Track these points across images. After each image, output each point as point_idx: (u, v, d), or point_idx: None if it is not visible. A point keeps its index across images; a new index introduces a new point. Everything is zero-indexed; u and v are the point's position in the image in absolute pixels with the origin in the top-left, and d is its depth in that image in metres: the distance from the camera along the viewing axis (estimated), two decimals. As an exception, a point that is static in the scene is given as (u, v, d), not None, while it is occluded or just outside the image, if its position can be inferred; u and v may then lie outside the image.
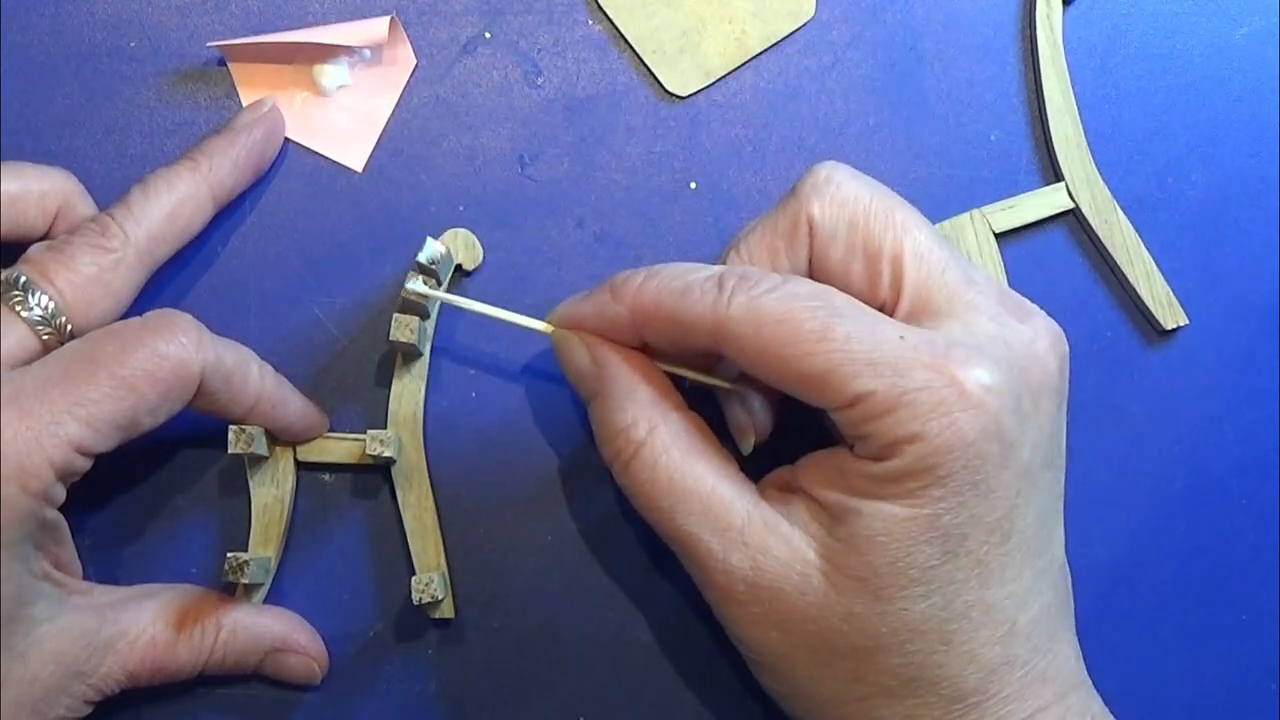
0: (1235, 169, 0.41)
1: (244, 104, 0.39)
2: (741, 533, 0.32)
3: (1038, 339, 0.32)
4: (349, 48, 0.39)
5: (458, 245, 0.38)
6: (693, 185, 0.40)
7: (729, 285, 0.31)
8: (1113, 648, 0.39)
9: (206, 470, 0.38)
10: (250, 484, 0.37)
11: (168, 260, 0.36)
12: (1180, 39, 0.41)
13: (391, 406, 0.38)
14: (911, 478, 0.30)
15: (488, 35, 0.40)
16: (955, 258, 0.33)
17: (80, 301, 0.34)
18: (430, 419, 0.38)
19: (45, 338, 0.33)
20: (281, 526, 0.37)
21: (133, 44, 0.39)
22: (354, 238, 0.39)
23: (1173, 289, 0.40)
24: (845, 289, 0.32)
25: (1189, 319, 0.40)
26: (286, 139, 0.39)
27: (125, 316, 0.35)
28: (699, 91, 0.40)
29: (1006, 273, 0.39)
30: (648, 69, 0.40)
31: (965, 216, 0.39)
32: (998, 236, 0.39)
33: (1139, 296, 0.40)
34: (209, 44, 0.39)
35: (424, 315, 0.37)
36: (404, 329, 0.36)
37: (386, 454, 0.36)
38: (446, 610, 0.37)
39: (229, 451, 0.35)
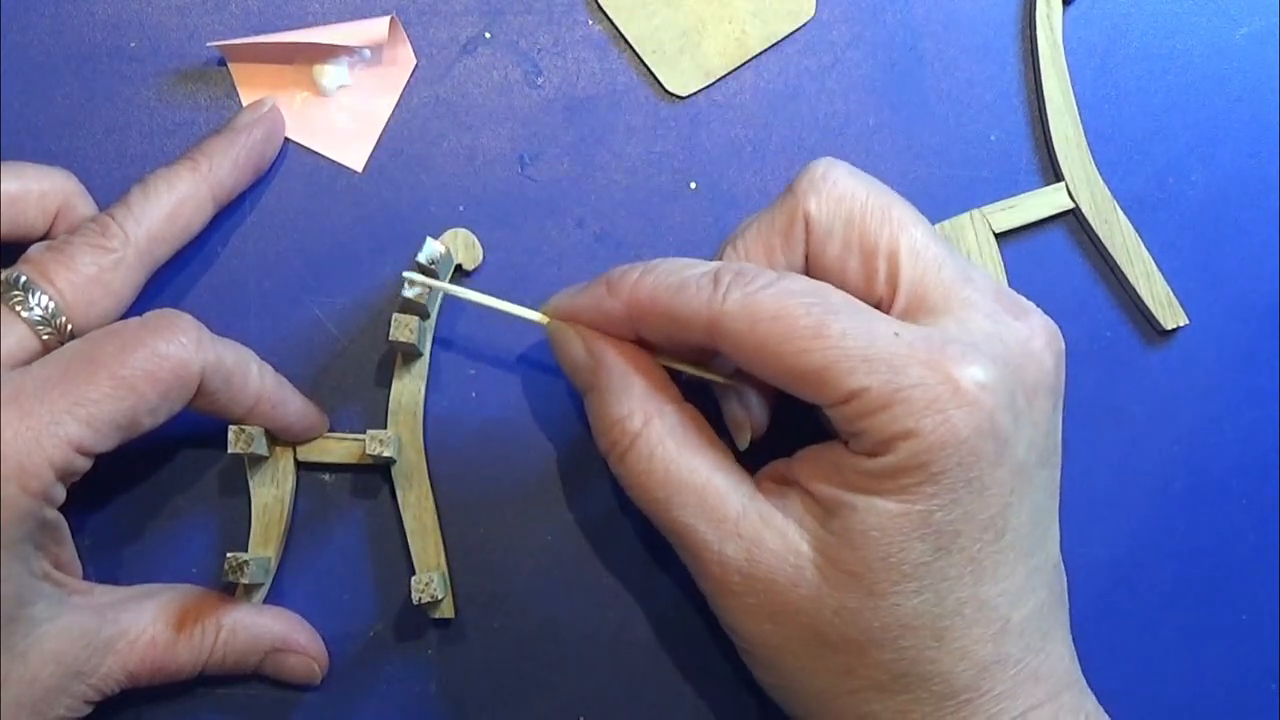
0: (1235, 169, 0.41)
1: (244, 104, 0.39)
2: (736, 524, 0.32)
3: (1034, 336, 0.32)
4: (349, 48, 0.39)
5: (458, 245, 0.38)
6: (693, 185, 0.40)
7: (724, 281, 0.31)
8: (1112, 648, 0.39)
9: (206, 470, 0.38)
10: (250, 484, 0.37)
11: (168, 260, 0.36)
12: (1180, 39, 0.41)
13: (391, 406, 0.38)
14: (905, 474, 0.30)
15: (488, 35, 0.40)
16: (952, 255, 0.33)
17: (80, 301, 0.34)
18: (430, 419, 0.38)
19: (45, 338, 0.33)
20: (281, 526, 0.37)
21: (133, 44, 0.39)
22: (354, 238, 0.39)
23: (1173, 289, 0.40)
24: (841, 286, 0.32)
25: (1189, 319, 0.40)
26: (286, 139, 0.39)
27: (125, 316, 0.35)
28: (699, 91, 0.40)
29: (1006, 273, 0.39)
30: (648, 69, 0.40)
31: (965, 216, 0.39)
32: (998, 236, 0.39)
33: (1139, 296, 0.40)
34: (209, 44, 0.39)
35: (424, 315, 0.37)
36: (404, 329, 0.36)
37: (386, 454, 0.36)
38: (446, 610, 0.37)
39: (229, 451, 0.35)
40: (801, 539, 0.31)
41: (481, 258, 0.39)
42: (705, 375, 0.35)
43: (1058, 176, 0.40)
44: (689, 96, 0.40)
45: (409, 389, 0.38)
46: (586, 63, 0.40)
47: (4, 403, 0.31)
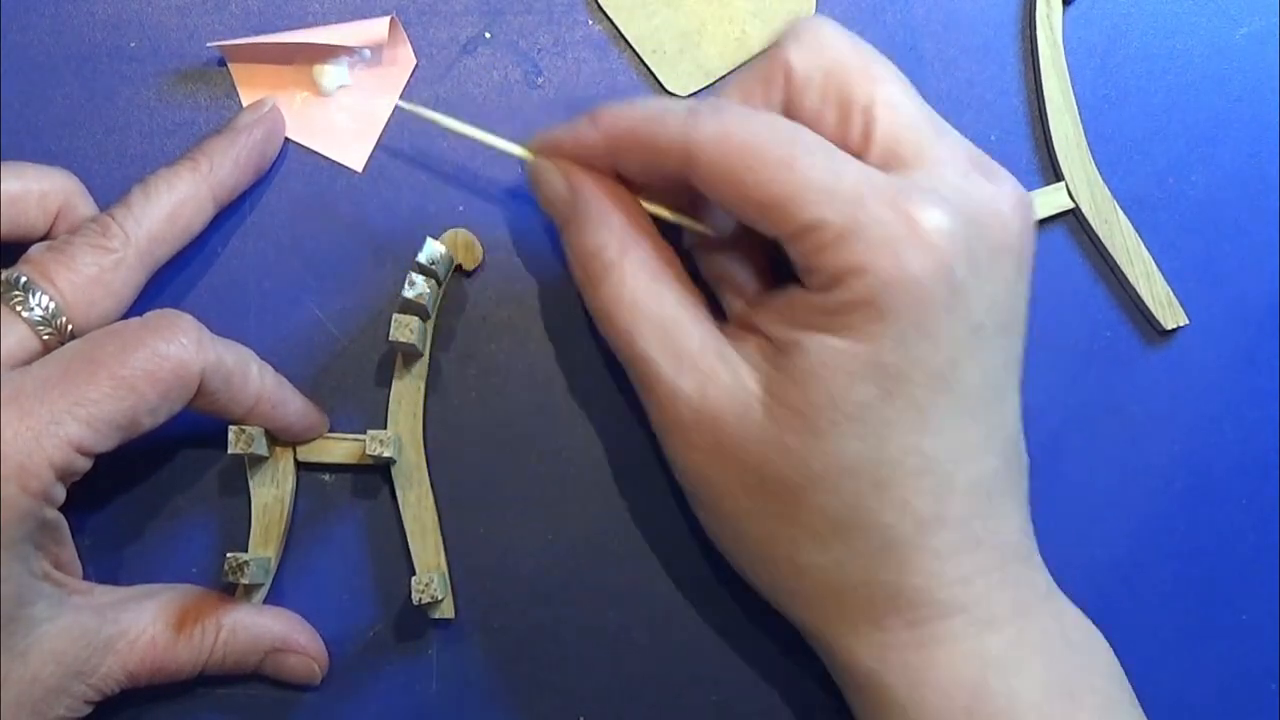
0: (1235, 169, 0.41)
1: (244, 104, 0.39)
2: (694, 358, 0.32)
3: (1002, 197, 0.32)
4: (349, 48, 0.39)
5: (458, 245, 0.38)
6: (693, 185, 0.40)
7: (701, 112, 0.32)
8: (1113, 647, 0.39)
9: (206, 470, 0.38)
10: (250, 484, 0.37)
11: (168, 260, 0.36)
12: (1180, 39, 0.41)
13: (391, 406, 0.38)
14: (854, 310, 0.30)
15: (488, 35, 0.40)
16: (929, 115, 0.33)
17: (81, 301, 0.34)
18: (430, 419, 0.38)
19: (45, 338, 0.33)
20: (281, 526, 0.37)
21: (133, 44, 0.39)
22: (354, 238, 0.39)
23: (1173, 289, 0.40)
24: None
25: (1189, 319, 0.40)
26: (286, 139, 0.39)
27: (125, 316, 0.35)
28: (699, 91, 0.40)
29: (1006, 273, 0.39)
30: (648, 69, 0.40)
31: (965, 216, 0.39)
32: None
33: (1139, 296, 0.40)
34: (209, 44, 0.39)
35: (424, 315, 0.37)
36: (404, 329, 0.36)
37: (386, 454, 0.36)
38: (446, 610, 0.37)
39: (229, 451, 0.35)
40: (752, 376, 0.32)
41: (481, 258, 0.39)
42: (687, 222, 0.35)
43: (1058, 176, 0.40)
44: (689, 96, 0.40)
45: (409, 389, 0.38)
46: (586, 63, 0.40)
47: (4, 403, 0.31)
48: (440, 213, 0.39)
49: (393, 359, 0.38)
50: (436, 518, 0.38)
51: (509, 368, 0.39)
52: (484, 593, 0.38)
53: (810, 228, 0.30)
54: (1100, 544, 0.39)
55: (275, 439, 0.37)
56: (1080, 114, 0.40)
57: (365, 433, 0.36)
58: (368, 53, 0.39)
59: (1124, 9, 0.41)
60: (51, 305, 0.33)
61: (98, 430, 0.31)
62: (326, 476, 0.38)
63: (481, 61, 0.40)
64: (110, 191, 0.37)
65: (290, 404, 0.36)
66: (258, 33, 0.39)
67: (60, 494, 0.32)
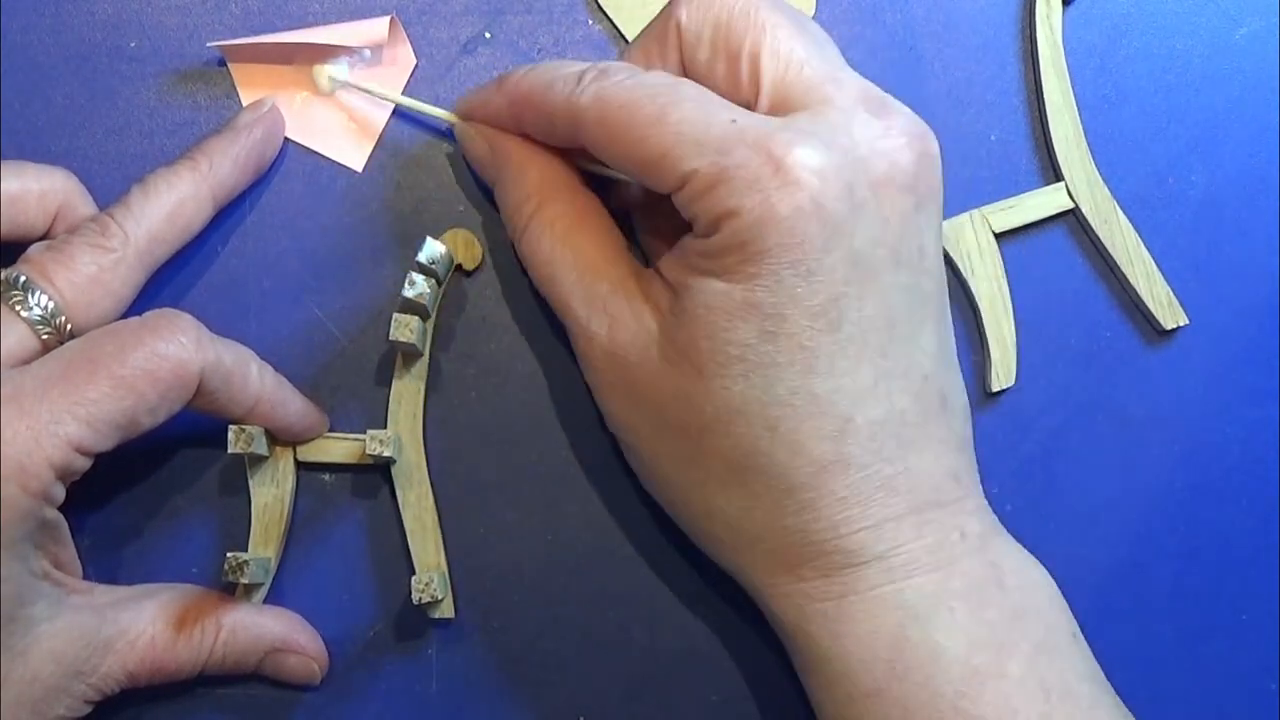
0: (1235, 169, 0.41)
1: (244, 104, 0.39)
2: (605, 302, 0.33)
3: (890, 133, 0.32)
4: (349, 48, 0.39)
5: (458, 245, 0.38)
6: (693, 185, 0.40)
7: (587, 77, 0.33)
8: (1113, 647, 0.39)
9: (206, 470, 0.38)
10: (250, 484, 0.37)
11: (168, 260, 0.36)
12: (1180, 39, 0.41)
13: (391, 406, 0.38)
14: (729, 253, 0.31)
15: (488, 35, 0.40)
16: (822, 56, 0.33)
17: (80, 301, 0.34)
18: (430, 419, 0.38)
19: (45, 337, 0.33)
20: (281, 526, 0.37)
21: (133, 44, 0.39)
22: (354, 238, 0.39)
23: (1173, 289, 0.40)
24: (712, 90, 0.33)
25: (1189, 319, 0.40)
26: (286, 139, 0.39)
27: (125, 316, 0.35)
28: (699, 91, 0.40)
29: (1006, 273, 0.39)
30: (648, 69, 0.40)
31: (965, 216, 0.39)
32: (998, 236, 0.39)
33: (1139, 296, 0.40)
34: (209, 44, 0.39)
35: (424, 315, 0.37)
36: (404, 329, 0.36)
37: (386, 454, 0.36)
38: (446, 610, 0.37)
39: (229, 451, 0.35)
40: (653, 319, 0.33)
41: (481, 258, 0.39)
42: (612, 173, 0.36)
43: (1058, 176, 0.40)
44: (689, 96, 0.40)
45: (409, 389, 0.38)
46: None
47: (4, 402, 0.31)
48: (440, 213, 0.39)
49: (393, 359, 0.38)
50: (436, 518, 0.38)
51: (509, 368, 0.39)
52: (484, 593, 0.38)
53: (685, 178, 0.31)
54: (1100, 544, 0.39)
55: (275, 439, 0.37)
56: (1080, 114, 0.40)
57: (365, 433, 0.36)
58: (368, 53, 0.39)
59: (1124, 9, 0.41)
60: (51, 305, 0.33)
61: (97, 430, 0.31)
62: (326, 476, 0.38)
63: (481, 61, 0.40)
64: (110, 191, 0.37)
65: (290, 404, 0.36)
66: (258, 33, 0.39)
67: (60, 494, 0.32)
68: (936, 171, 0.33)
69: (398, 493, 0.38)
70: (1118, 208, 0.40)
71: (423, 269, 0.36)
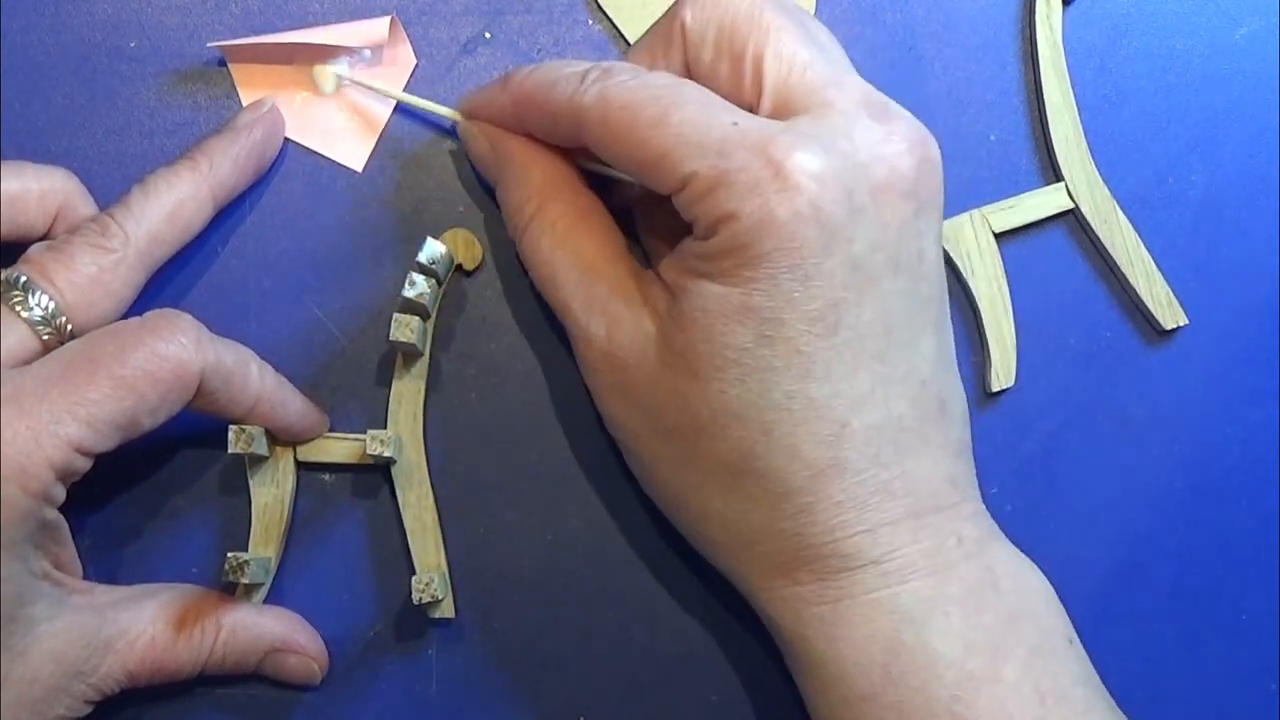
0: (1235, 169, 0.41)
1: (244, 104, 0.39)
2: (604, 304, 0.34)
3: (891, 138, 0.32)
4: (349, 48, 0.39)
5: (458, 245, 0.38)
6: (693, 185, 0.40)
7: (590, 77, 0.33)
8: (1112, 648, 0.39)
9: (206, 470, 0.38)
10: (250, 484, 0.37)
11: (167, 260, 0.36)
12: (1180, 39, 0.41)
13: (391, 406, 0.38)
14: (727, 256, 0.31)
15: (488, 35, 0.40)
16: (826, 60, 0.33)
17: (80, 301, 0.34)
18: (430, 419, 0.38)
19: (45, 338, 0.33)
20: (281, 526, 0.37)
21: (133, 44, 0.39)
22: (354, 238, 0.39)
23: (1173, 289, 0.40)
24: (715, 91, 0.33)
25: (1189, 319, 0.40)
26: (286, 139, 0.39)
27: (125, 316, 0.35)
28: (699, 91, 0.40)
29: (1006, 273, 0.39)
30: (648, 69, 0.40)
31: (965, 216, 0.39)
32: (998, 236, 0.39)
33: (1139, 296, 0.40)
34: (209, 44, 0.39)
35: (424, 315, 0.37)
36: (404, 329, 0.36)
37: (386, 454, 0.36)
38: (446, 610, 0.37)
39: (229, 451, 0.35)
40: (651, 321, 0.33)
41: (481, 258, 0.39)
42: (615, 173, 0.36)
43: (1058, 176, 0.40)
44: (689, 96, 0.40)
45: (409, 389, 0.38)
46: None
47: (4, 402, 0.31)
48: (440, 213, 0.39)
49: (393, 359, 0.38)
50: (436, 518, 0.38)
51: (509, 368, 0.39)
52: (484, 593, 0.38)
53: (685, 180, 0.31)
54: (1100, 544, 0.39)
55: (275, 439, 0.37)
56: (1080, 114, 0.40)
57: (365, 433, 0.36)
58: (368, 53, 0.39)
59: (1124, 9, 0.41)
60: (51, 305, 0.33)
61: (97, 430, 0.31)
62: (326, 476, 0.38)
63: (481, 61, 0.40)
64: (110, 191, 0.37)
65: (290, 404, 0.36)
66: (258, 33, 0.39)
67: (60, 494, 0.32)
68: (937, 177, 0.33)
69: (398, 493, 0.38)
70: (1118, 208, 0.40)
71: (423, 269, 0.36)
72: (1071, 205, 0.40)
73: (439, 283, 0.38)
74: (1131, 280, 0.40)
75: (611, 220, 0.36)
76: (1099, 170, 0.40)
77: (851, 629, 0.31)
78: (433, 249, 0.36)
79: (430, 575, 0.36)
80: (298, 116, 0.39)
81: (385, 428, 0.38)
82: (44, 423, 0.31)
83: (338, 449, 0.38)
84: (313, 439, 0.38)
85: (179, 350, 0.33)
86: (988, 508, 0.34)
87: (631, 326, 0.33)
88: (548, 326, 0.39)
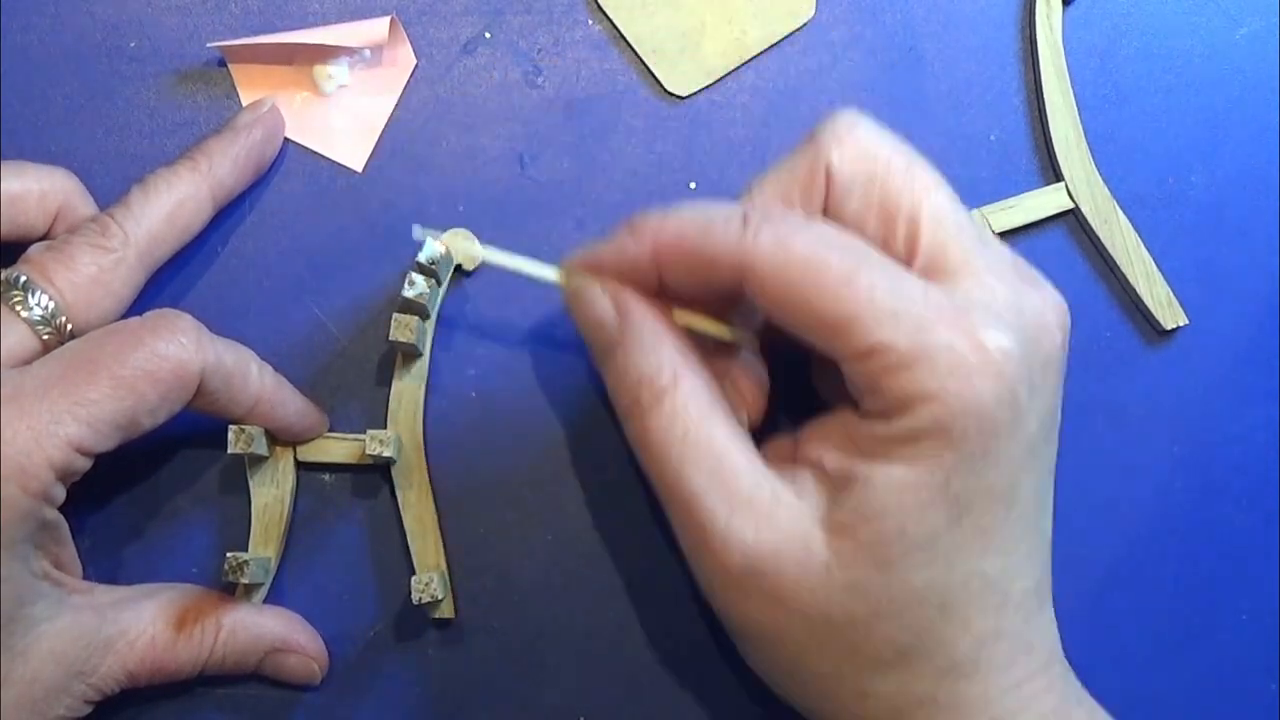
0: (1235, 169, 0.41)
1: (244, 104, 0.39)
2: (749, 499, 0.30)
3: (1048, 309, 0.32)
4: (349, 48, 0.39)
5: (458, 245, 0.38)
6: (692, 185, 0.40)
7: (754, 221, 0.30)
8: (1113, 647, 0.39)
9: (206, 470, 0.38)
10: (250, 484, 0.37)
11: (167, 260, 0.36)
12: (1180, 39, 0.41)
13: (391, 406, 0.38)
14: (924, 439, 0.29)
15: (488, 35, 0.40)
16: (970, 221, 0.32)
17: (80, 301, 0.34)
18: (430, 419, 0.38)
19: (45, 338, 0.33)
20: (281, 526, 0.37)
21: (133, 44, 0.39)
22: (354, 238, 0.39)
23: (1173, 289, 0.40)
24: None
25: (1189, 319, 0.40)
26: (286, 139, 0.39)
27: (125, 316, 0.35)
28: (699, 91, 0.40)
29: (1006, 273, 0.39)
30: (648, 69, 0.40)
31: (965, 216, 0.39)
32: (998, 237, 0.39)
33: (1139, 296, 0.40)
34: (209, 44, 0.39)
35: (424, 315, 0.37)
36: (404, 329, 0.36)
37: (386, 454, 0.36)
38: (446, 610, 0.37)
39: (229, 451, 0.35)
40: (812, 515, 0.30)
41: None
42: (723, 333, 0.34)
43: (1058, 176, 0.40)
44: (689, 96, 0.40)
45: (409, 389, 0.38)
46: (586, 63, 0.40)
47: (4, 402, 0.31)
48: (440, 213, 0.39)
49: (393, 359, 0.38)
50: (436, 518, 0.38)
51: (509, 368, 0.39)
52: (484, 593, 0.38)
53: (875, 350, 0.29)
54: (1100, 544, 0.39)
55: (275, 439, 0.37)
56: (1080, 114, 0.40)
57: (365, 433, 0.36)
58: (368, 53, 0.39)
59: (1124, 9, 0.41)
60: (51, 305, 0.33)
61: (97, 430, 0.31)
62: (326, 476, 0.38)
63: (481, 61, 0.40)
64: (110, 191, 0.37)
65: (290, 404, 0.36)
66: (258, 33, 0.39)
67: (60, 494, 0.32)
68: (1069, 345, 0.33)
69: (398, 493, 0.38)
70: (1118, 208, 0.40)
71: (423, 269, 0.36)
72: (1071, 205, 0.40)
73: (439, 283, 0.38)
74: (1131, 280, 0.40)
75: (729, 402, 0.33)
76: (1099, 170, 0.40)
77: None
78: (433, 249, 0.36)
79: (430, 575, 0.36)
80: (298, 116, 0.39)
81: (385, 428, 0.38)
82: (44, 423, 0.31)
83: (338, 449, 0.38)
84: (313, 439, 0.38)
85: (179, 350, 0.33)
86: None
87: (788, 523, 0.30)
88: (548, 327, 0.39)
